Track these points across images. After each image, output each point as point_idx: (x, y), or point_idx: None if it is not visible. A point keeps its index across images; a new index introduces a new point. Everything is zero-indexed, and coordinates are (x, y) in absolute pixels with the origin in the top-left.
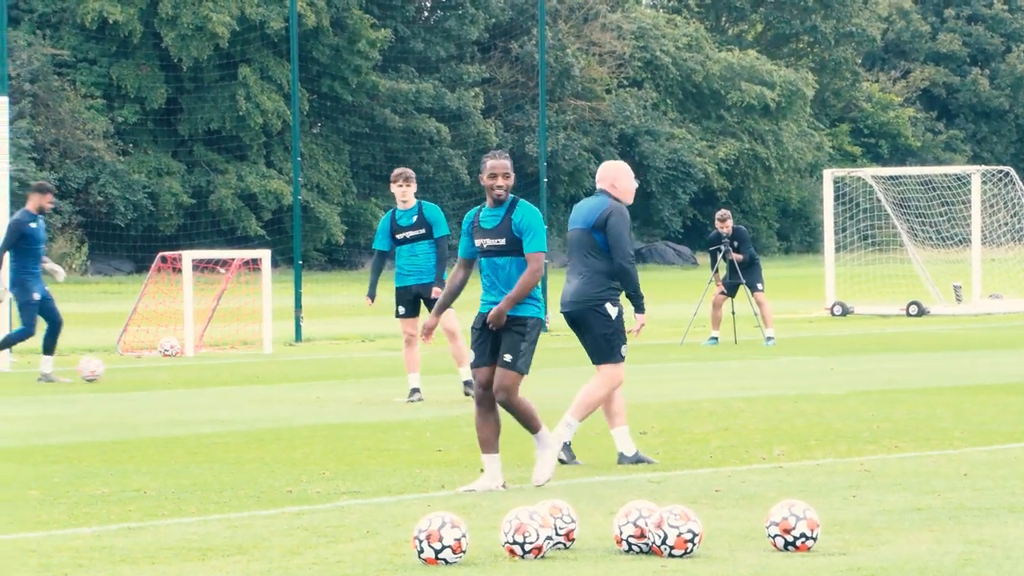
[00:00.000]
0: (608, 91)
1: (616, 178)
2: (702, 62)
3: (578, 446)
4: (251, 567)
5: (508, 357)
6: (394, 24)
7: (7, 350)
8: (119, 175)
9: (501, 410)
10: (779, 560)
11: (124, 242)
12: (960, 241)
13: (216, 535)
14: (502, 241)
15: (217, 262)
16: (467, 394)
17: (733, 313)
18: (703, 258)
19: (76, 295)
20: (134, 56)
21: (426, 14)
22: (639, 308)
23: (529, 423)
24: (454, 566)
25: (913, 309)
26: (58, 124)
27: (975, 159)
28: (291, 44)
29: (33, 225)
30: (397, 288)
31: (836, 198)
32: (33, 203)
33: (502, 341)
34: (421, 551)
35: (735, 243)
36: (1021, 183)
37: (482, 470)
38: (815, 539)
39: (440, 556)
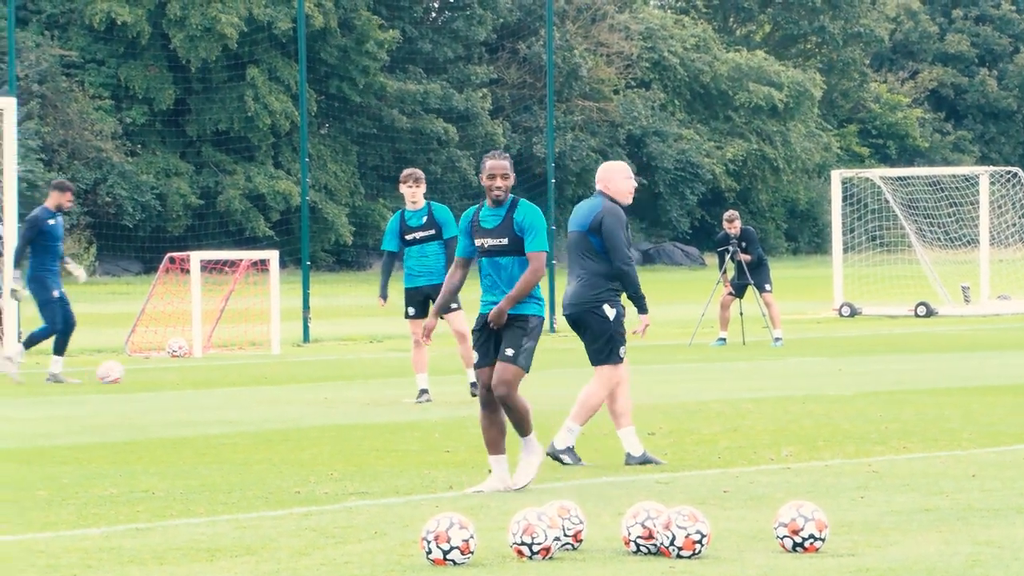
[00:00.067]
0: (616, 92)
1: (609, 179)
2: (710, 63)
3: (586, 447)
4: (259, 568)
5: (510, 352)
6: (402, 25)
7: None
8: (127, 176)
9: (518, 404)
10: (787, 561)
11: (132, 243)
12: (968, 242)
13: (224, 536)
14: (504, 241)
15: (225, 263)
16: (474, 395)
17: (741, 314)
18: (711, 259)
19: (84, 296)
20: (142, 57)
21: (434, 15)
22: (642, 309)
23: (522, 424)
24: (462, 567)
25: (921, 310)
26: (66, 125)
27: (983, 160)
28: (299, 45)
29: (51, 222)
30: (407, 289)
31: (844, 199)
32: (52, 200)
33: (503, 337)
34: (429, 552)
35: (743, 244)
36: None
37: (490, 471)
38: (823, 540)
39: (448, 557)
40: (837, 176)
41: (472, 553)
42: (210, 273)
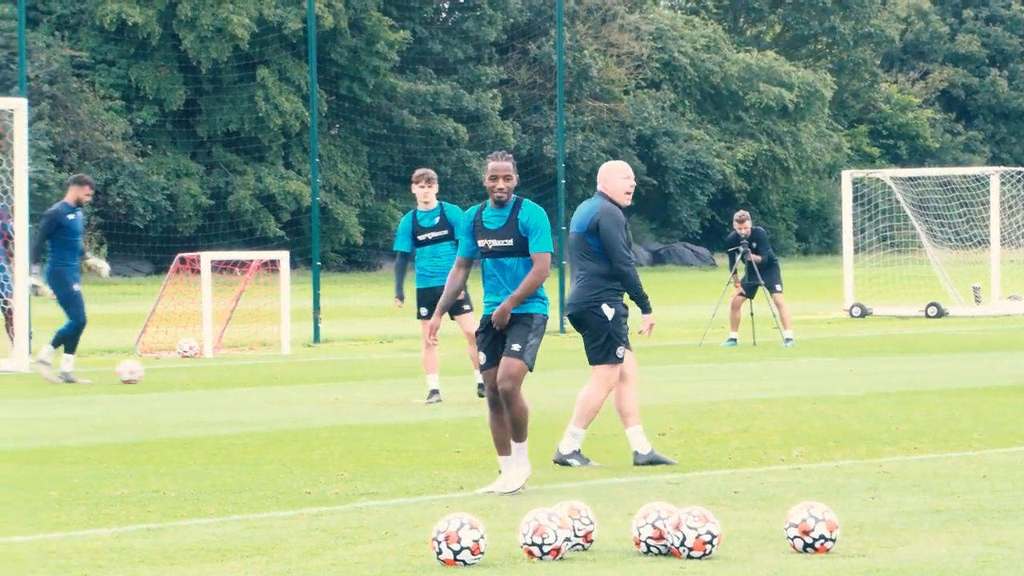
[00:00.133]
0: (626, 92)
1: (606, 179)
2: (720, 63)
3: (596, 448)
4: (270, 568)
5: (516, 347)
6: (412, 25)
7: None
8: (138, 176)
9: (519, 404)
10: (798, 562)
11: (143, 243)
12: (979, 242)
13: (235, 536)
14: (509, 242)
15: (236, 263)
16: (481, 396)
17: (752, 314)
18: (721, 259)
19: (95, 296)
20: (153, 58)
21: (444, 15)
22: (645, 309)
23: (519, 425)
24: (472, 567)
25: (932, 310)
26: (77, 126)
27: (994, 160)
28: (309, 45)
29: (71, 217)
30: (419, 289)
31: (855, 199)
32: (71, 195)
33: (509, 334)
34: (440, 552)
35: (753, 244)
36: None
37: (500, 472)
38: (834, 541)
39: (459, 557)
40: (848, 176)
41: (482, 554)
42: (221, 273)
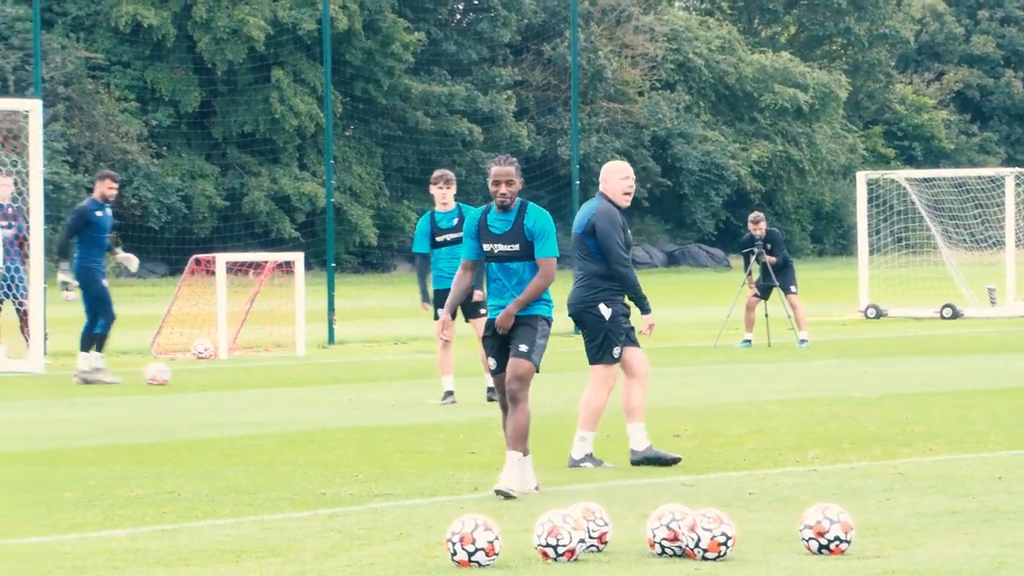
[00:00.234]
0: (641, 93)
1: (605, 180)
2: (735, 64)
3: (611, 450)
4: (285, 569)
5: (523, 347)
6: (427, 27)
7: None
8: (153, 178)
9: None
10: (813, 563)
11: (158, 244)
12: (994, 243)
13: (250, 537)
14: (515, 247)
15: (250, 265)
16: (491, 400)
17: (767, 316)
18: (736, 260)
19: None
20: (168, 59)
21: (459, 17)
22: (644, 309)
23: (519, 435)
24: (487, 569)
25: (947, 312)
26: (92, 127)
27: (1009, 161)
28: (324, 47)
29: (99, 214)
30: (436, 290)
31: (869, 200)
32: (97, 191)
33: (515, 336)
34: (454, 553)
35: (768, 245)
36: None
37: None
38: (849, 542)
39: (473, 559)
40: (862, 178)
41: (497, 555)
42: (235, 275)
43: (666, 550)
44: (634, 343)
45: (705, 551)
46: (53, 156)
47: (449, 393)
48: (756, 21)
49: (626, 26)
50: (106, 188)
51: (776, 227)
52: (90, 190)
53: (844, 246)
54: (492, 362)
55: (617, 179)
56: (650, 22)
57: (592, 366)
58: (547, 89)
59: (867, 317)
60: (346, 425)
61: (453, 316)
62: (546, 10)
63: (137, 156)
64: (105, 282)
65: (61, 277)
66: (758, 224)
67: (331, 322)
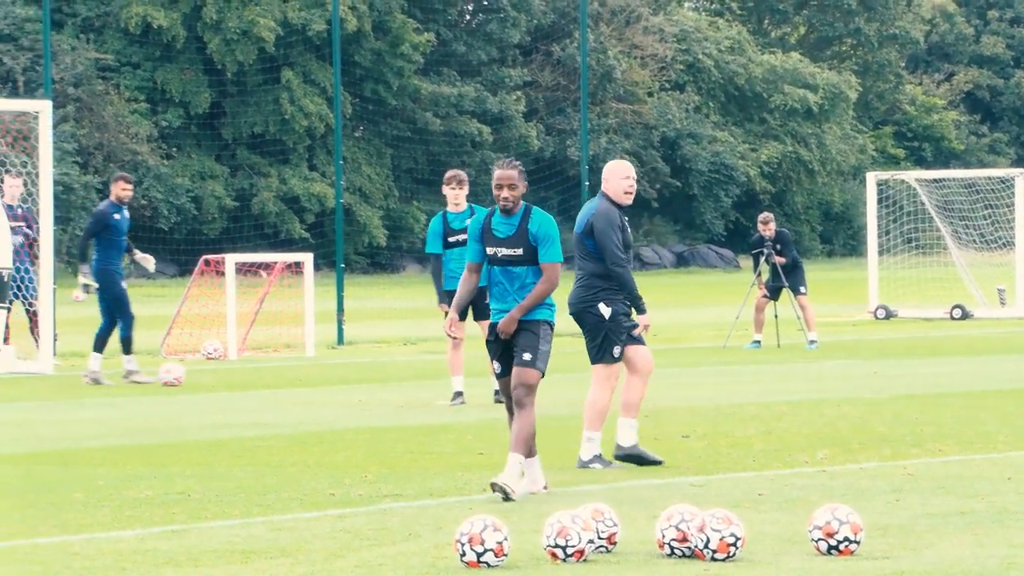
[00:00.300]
0: (650, 94)
1: (607, 180)
2: (744, 65)
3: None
4: (294, 570)
5: (527, 356)
6: (436, 28)
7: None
8: (163, 179)
9: (530, 414)
10: (822, 564)
11: (167, 245)
12: (1004, 244)
13: (259, 538)
14: (519, 251)
15: (260, 265)
16: (498, 402)
17: (776, 316)
18: (745, 261)
19: None
20: (178, 60)
21: (468, 17)
22: (640, 310)
23: (523, 438)
24: (496, 569)
25: (957, 312)
26: (102, 128)
27: (1018, 162)
28: (333, 48)
29: (117, 216)
30: (447, 291)
31: (879, 201)
32: (113, 193)
33: (518, 342)
34: (463, 554)
35: (778, 246)
36: None
37: (523, 474)
38: (858, 543)
39: (482, 559)
40: (872, 178)
41: (506, 555)
42: (245, 275)
43: (675, 551)
44: (639, 341)
45: (714, 552)
46: (63, 157)
47: (458, 394)
48: (766, 22)
49: (635, 27)
50: (120, 190)
51: (786, 228)
52: (99, 191)
53: (854, 247)
54: (496, 366)
55: (618, 179)
56: (659, 23)
57: (593, 366)
58: (556, 90)
59: (877, 318)
60: (355, 426)
61: (463, 317)
62: (555, 11)
63: (147, 157)
64: (124, 284)
65: (82, 280)
66: (768, 225)
67: (340, 323)
